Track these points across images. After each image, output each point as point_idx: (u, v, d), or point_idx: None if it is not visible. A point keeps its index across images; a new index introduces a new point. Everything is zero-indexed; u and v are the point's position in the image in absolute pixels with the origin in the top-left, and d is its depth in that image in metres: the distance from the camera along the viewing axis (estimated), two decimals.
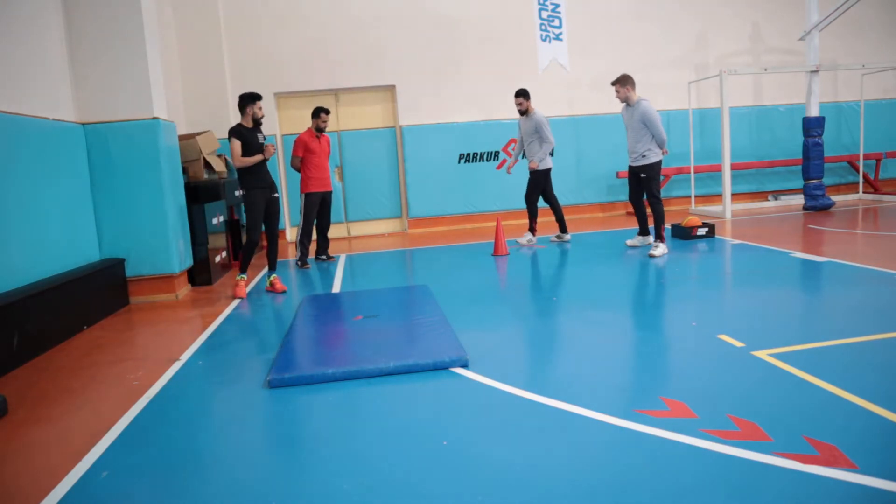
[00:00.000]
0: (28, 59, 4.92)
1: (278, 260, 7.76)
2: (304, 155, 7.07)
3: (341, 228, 9.87)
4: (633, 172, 6.70)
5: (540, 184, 7.56)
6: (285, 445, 2.67)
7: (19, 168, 4.60)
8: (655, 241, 6.50)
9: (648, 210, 6.68)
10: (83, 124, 5.59)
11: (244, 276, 5.75)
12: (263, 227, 5.79)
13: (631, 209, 10.13)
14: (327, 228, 7.44)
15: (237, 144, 5.49)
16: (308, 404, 3.06)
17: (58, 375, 3.81)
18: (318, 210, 7.21)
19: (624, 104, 6.62)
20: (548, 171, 7.57)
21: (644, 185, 6.59)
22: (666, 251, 6.41)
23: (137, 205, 5.69)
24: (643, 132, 6.42)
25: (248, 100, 5.57)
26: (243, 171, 5.58)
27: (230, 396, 3.31)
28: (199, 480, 2.38)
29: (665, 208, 10.31)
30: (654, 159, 6.46)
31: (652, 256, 6.28)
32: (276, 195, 5.78)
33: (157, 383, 3.49)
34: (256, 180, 5.62)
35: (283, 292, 5.74)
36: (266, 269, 6.16)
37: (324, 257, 7.47)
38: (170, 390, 3.39)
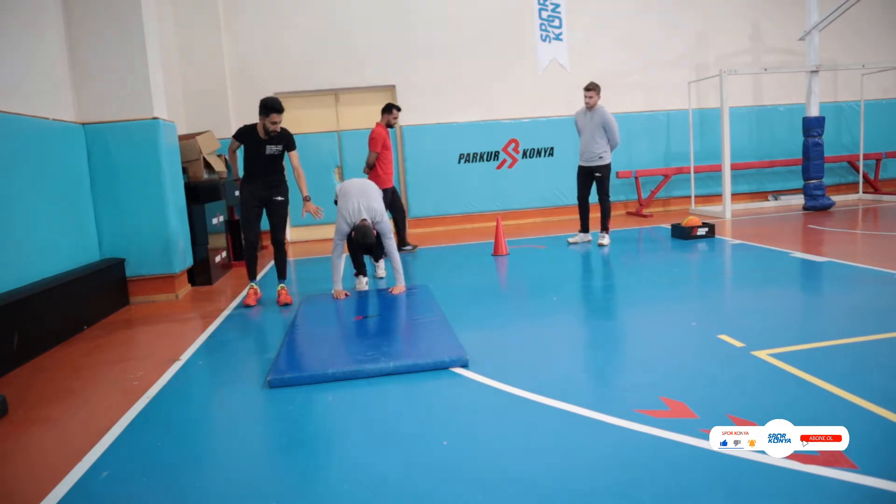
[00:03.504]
0: (28, 59, 4.92)
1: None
2: (380, 151, 7.10)
3: None
4: (587, 172, 7.19)
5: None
6: (285, 445, 2.67)
7: (19, 168, 4.60)
8: (602, 233, 7.19)
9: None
10: (83, 124, 5.59)
11: (253, 285, 5.37)
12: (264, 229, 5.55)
13: (632, 210, 10.18)
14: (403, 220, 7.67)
15: (234, 144, 5.29)
16: (308, 404, 3.06)
17: (58, 375, 3.80)
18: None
19: (583, 109, 7.16)
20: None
21: (598, 184, 7.18)
22: (609, 242, 7.17)
23: (137, 205, 5.68)
24: (601, 135, 6.98)
25: (261, 109, 5.02)
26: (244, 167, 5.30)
27: (230, 396, 3.31)
28: (199, 480, 2.38)
29: (666, 208, 10.45)
30: (608, 160, 7.11)
31: (601, 246, 7.09)
32: (278, 198, 5.28)
33: (157, 383, 3.48)
34: (249, 178, 5.22)
35: (286, 305, 5.21)
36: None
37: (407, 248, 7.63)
38: (170, 390, 3.39)
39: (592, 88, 6.99)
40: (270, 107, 4.99)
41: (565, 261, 6.60)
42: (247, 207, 5.27)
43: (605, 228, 7.18)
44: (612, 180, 10.10)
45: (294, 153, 5.31)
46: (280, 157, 5.29)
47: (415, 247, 7.82)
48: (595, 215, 7.33)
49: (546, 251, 7.22)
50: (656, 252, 6.93)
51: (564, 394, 2.92)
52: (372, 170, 7.11)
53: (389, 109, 7.25)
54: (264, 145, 5.16)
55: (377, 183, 7.07)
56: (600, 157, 7.03)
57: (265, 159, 5.20)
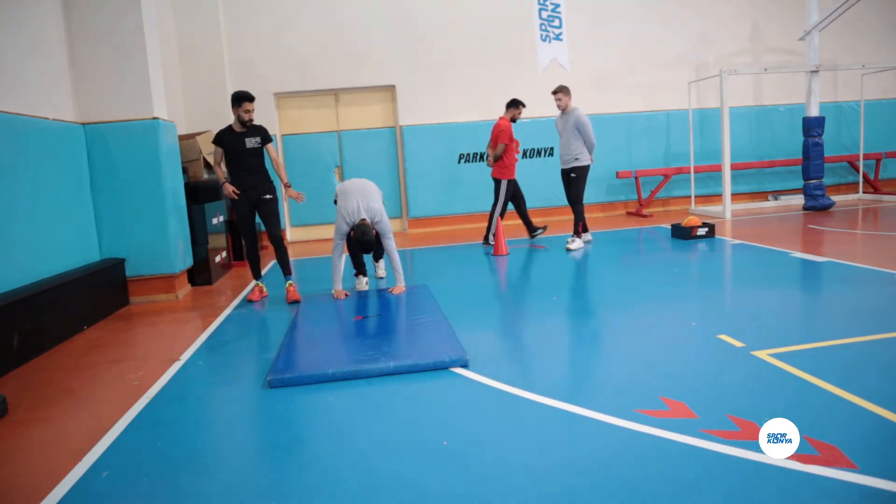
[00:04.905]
0: (28, 59, 4.92)
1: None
2: (508, 143, 7.37)
3: None
4: (565, 174, 7.26)
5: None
6: (285, 445, 2.67)
7: (19, 168, 4.60)
8: (572, 237, 7.14)
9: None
10: (83, 124, 5.59)
11: (257, 283, 5.59)
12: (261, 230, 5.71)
13: (632, 210, 10.18)
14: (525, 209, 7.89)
15: (217, 152, 5.36)
16: (308, 404, 3.06)
17: (57, 375, 3.81)
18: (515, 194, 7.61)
19: (560, 112, 7.25)
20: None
21: (572, 185, 7.18)
22: (581, 245, 7.10)
23: (137, 205, 5.69)
24: (576, 137, 7.03)
25: (233, 101, 5.22)
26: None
27: (230, 396, 3.32)
28: (199, 480, 2.38)
29: (665, 208, 10.45)
30: (585, 162, 7.10)
31: (569, 250, 6.97)
32: (266, 197, 5.38)
33: (157, 383, 3.49)
34: (234, 180, 5.36)
35: (295, 302, 5.19)
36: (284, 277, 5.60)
37: (539, 232, 7.83)
38: (170, 390, 3.39)
39: (559, 91, 7.08)
40: (242, 96, 5.20)
41: (565, 261, 6.60)
42: (239, 213, 5.46)
43: (576, 232, 7.14)
44: (612, 179, 10.21)
45: (270, 145, 5.45)
46: (260, 151, 5.38)
47: (544, 228, 7.96)
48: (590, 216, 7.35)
49: (546, 251, 7.22)
50: (656, 252, 6.93)
51: (564, 393, 2.92)
52: (497, 161, 7.42)
53: (517, 105, 7.56)
54: (243, 139, 5.29)
55: (504, 173, 7.45)
56: (576, 159, 7.09)
57: (246, 154, 5.31)
